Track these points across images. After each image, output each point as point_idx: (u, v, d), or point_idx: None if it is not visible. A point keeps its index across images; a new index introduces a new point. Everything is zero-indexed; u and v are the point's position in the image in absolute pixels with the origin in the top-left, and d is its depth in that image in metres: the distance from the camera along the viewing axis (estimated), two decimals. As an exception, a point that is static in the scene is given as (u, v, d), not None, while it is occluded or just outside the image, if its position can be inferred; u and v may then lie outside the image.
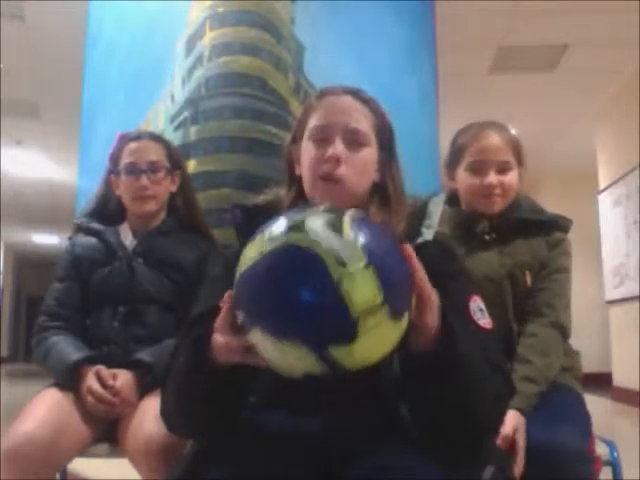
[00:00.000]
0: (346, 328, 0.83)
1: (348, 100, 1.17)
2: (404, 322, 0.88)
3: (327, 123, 1.15)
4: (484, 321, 1.10)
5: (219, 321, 0.93)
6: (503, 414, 1.13)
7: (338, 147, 1.13)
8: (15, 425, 1.48)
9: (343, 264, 0.82)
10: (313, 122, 1.17)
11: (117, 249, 1.77)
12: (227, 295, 0.92)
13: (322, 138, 1.15)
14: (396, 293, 0.86)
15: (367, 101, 1.19)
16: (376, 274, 0.83)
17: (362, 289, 0.82)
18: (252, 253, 0.88)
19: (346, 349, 0.84)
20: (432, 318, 0.90)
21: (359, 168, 1.14)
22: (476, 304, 1.11)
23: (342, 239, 0.84)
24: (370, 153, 1.16)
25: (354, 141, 1.14)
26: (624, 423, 5.30)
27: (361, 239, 0.85)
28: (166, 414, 1.13)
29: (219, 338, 0.93)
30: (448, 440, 0.98)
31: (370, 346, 0.85)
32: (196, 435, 1.11)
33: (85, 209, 1.91)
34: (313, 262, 0.83)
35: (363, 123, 1.16)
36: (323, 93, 1.21)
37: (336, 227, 0.86)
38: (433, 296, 0.90)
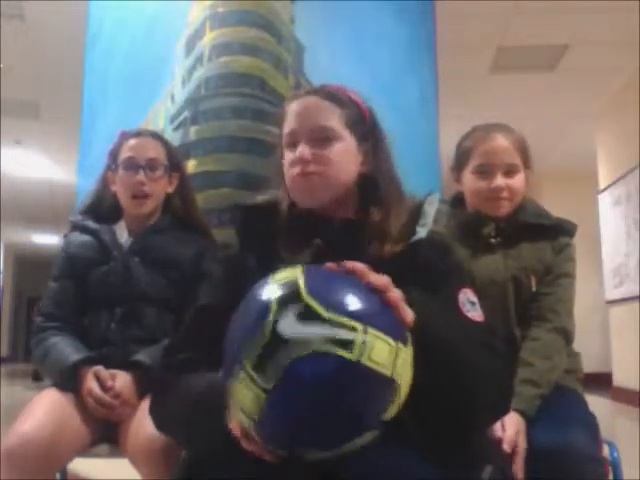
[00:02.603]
0: (390, 391, 0.83)
1: (311, 101, 1.19)
2: (410, 338, 0.88)
3: (293, 128, 1.19)
4: (474, 313, 1.09)
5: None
6: (505, 396, 1.10)
7: (302, 149, 1.16)
8: (15, 425, 1.48)
9: (349, 342, 0.80)
10: (285, 130, 1.21)
11: (112, 248, 1.75)
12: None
13: (292, 143, 1.19)
14: (395, 324, 0.85)
15: (332, 95, 1.20)
16: (375, 326, 0.82)
17: (379, 349, 0.81)
18: (249, 394, 0.82)
19: (394, 405, 0.84)
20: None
21: (329, 163, 1.15)
22: (466, 296, 1.11)
23: (325, 322, 0.81)
24: (342, 147, 1.17)
25: (320, 139, 1.16)
26: (624, 423, 5.29)
27: (340, 306, 0.82)
28: (158, 415, 1.14)
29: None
30: (447, 428, 0.97)
31: (406, 383, 0.86)
32: (188, 443, 1.11)
33: (80, 206, 1.90)
34: (323, 360, 0.80)
35: (328, 119, 1.17)
36: (289, 99, 1.24)
37: (307, 314, 0.81)
38: (398, 295, 0.89)
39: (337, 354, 0.79)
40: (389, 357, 0.82)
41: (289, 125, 1.20)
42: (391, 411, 0.85)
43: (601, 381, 6.23)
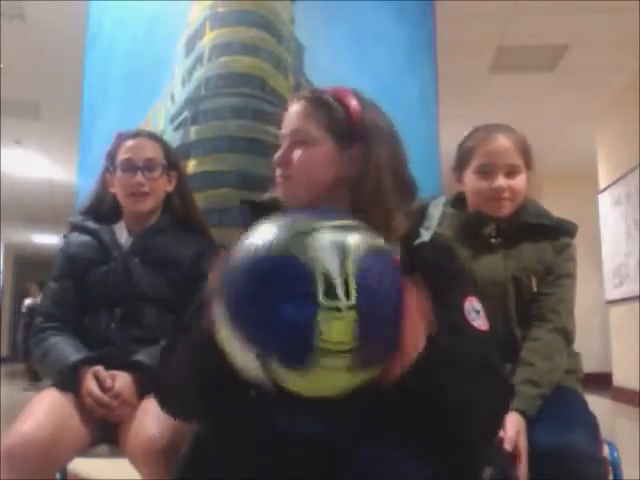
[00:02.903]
0: (298, 356, 0.81)
1: (297, 104, 1.21)
2: (369, 373, 0.85)
3: (282, 131, 1.23)
4: (479, 322, 1.10)
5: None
6: (499, 420, 1.13)
7: (281, 152, 1.20)
8: (15, 425, 1.47)
9: (333, 295, 0.80)
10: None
11: (112, 249, 1.75)
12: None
13: (281, 145, 1.22)
14: (373, 344, 0.83)
15: (316, 99, 1.20)
16: (360, 319, 0.80)
17: (338, 328, 0.80)
18: (253, 239, 0.86)
19: (290, 375, 0.82)
20: (401, 370, 0.89)
21: (301, 167, 1.17)
22: (471, 305, 1.11)
23: (343, 267, 0.81)
24: (317, 151, 1.18)
25: (297, 142, 1.19)
26: (624, 423, 5.30)
27: (363, 275, 0.81)
28: (163, 393, 1.16)
29: None
30: (446, 446, 0.98)
31: (318, 384, 0.83)
32: (203, 413, 1.12)
33: (80, 207, 1.90)
34: (303, 281, 0.80)
35: (303, 123, 1.19)
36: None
37: (344, 251, 0.82)
38: (414, 352, 0.89)
39: (316, 287, 0.80)
40: (336, 345, 0.80)
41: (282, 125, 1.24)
42: (286, 378, 0.83)
43: (601, 381, 6.23)
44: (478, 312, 1.11)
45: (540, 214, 1.68)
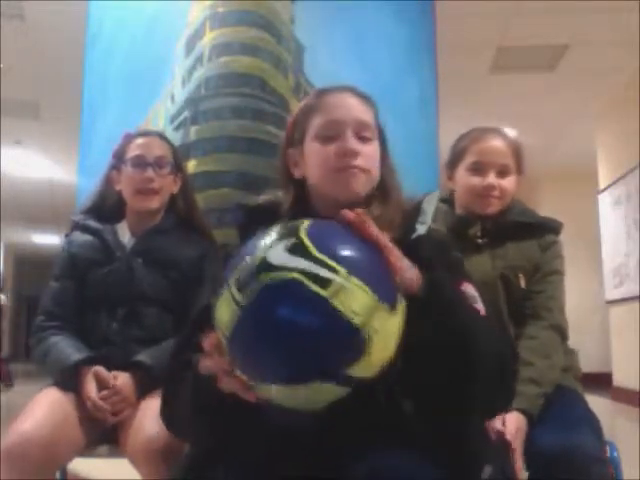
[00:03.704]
0: (356, 342, 0.81)
1: (350, 96, 1.18)
2: (402, 307, 0.88)
3: (336, 119, 1.14)
4: (477, 306, 1.10)
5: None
6: (506, 379, 1.06)
7: (352, 140, 1.13)
8: (15, 425, 1.48)
9: (327, 281, 0.81)
10: (318, 121, 1.16)
11: (115, 249, 1.75)
12: (209, 344, 0.92)
13: (332, 135, 1.14)
14: (385, 285, 0.85)
15: (365, 97, 1.20)
16: (361, 277, 0.82)
17: (355, 297, 0.81)
18: (227, 310, 0.85)
19: (363, 362, 0.83)
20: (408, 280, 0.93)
21: (371, 161, 1.15)
22: (467, 290, 1.11)
23: (311, 259, 0.82)
24: (376, 147, 1.18)
25: (363, 135, 1.15)
26: (624, 423, 5.30)
27: (330, 250, 0.83)
28: (168, 415, 1.12)
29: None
30: (445, 399, 0.97)
31: (382, 347, 0.84)
32: (200, 438, 1.10)
33: (82, 206, 1.90)
34: (297, 289, 0.81)
35: (369, 118, 1.17)
36: (321, 92, 1.21)
37: (298, 249, 0.84)
38: (402, 262, 0.93)
39: (310, 288, 0.81)
40: (365, 310, 0.81)
41: (328, 115, 1.15)
42: (359, 370, 0.83)
43: (601, 381, 6.23)
44: (474, 297, 1.11)
45: (524, 213, 1.71)
